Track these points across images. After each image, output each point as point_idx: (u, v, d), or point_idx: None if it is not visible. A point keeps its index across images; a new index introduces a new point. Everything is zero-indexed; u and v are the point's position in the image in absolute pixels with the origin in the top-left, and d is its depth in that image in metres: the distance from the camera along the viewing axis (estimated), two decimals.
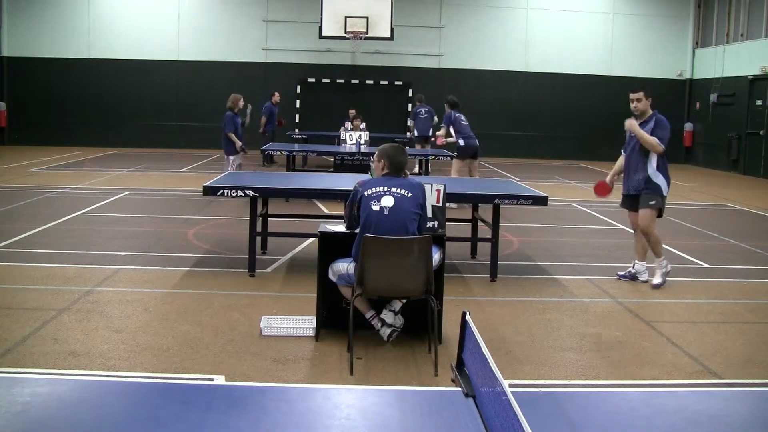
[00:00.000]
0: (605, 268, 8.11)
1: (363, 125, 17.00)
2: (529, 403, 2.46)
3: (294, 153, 13.89)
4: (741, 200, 14.95)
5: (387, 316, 5.44)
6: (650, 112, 7.38)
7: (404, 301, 5.45)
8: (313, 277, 5.86)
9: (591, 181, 16.84)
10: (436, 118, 17.32)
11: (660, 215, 7.51)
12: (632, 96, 7.38)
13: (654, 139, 7.23)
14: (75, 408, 2.52)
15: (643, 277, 7.66)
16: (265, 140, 17.11)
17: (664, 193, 7.42)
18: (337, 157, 13.91)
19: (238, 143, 12.35)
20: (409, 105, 23.05)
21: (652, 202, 7.35)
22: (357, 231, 5.39)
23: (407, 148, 12.13)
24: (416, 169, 15.19)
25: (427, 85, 22.37)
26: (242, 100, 12.88)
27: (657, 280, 7.54)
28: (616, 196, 8.06)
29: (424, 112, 17.52)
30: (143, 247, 8.69)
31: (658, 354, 5.63)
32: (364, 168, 11.62)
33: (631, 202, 7.61)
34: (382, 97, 23.34)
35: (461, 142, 12.74)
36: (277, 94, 19.52)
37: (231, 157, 12.41)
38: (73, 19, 22.85)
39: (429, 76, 23.19)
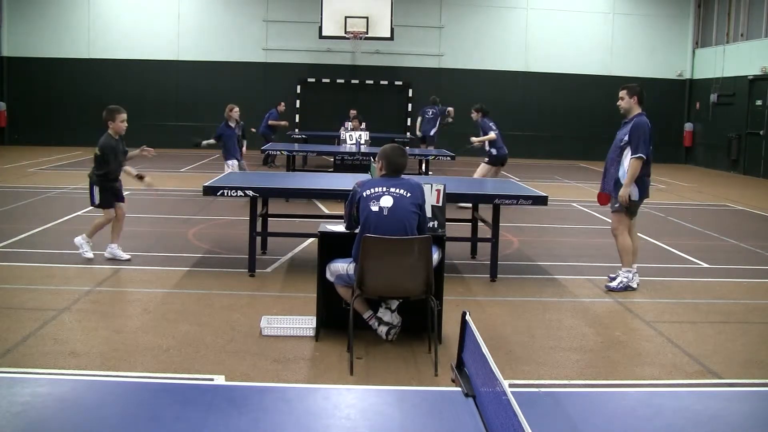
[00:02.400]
0: (605, 268, 8.10)
1: (363, 125, 17.00)
2: (529, 403, 2.46)
3: (294, 153, 13.91)
4: (741, 200, 14.94)
5: (384, 314, 5.46)
6: (636, 112, 7.23)
7: (400, 299, 5.45)
8: (313, 277, 5.87)
9: (591, 181, 16.87)
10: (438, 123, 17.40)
11: (631, 217, 7.32)
12: (619, 94, 7.38)
13: (627, 183, 7.09)
14: (75, 408, 2.52)
15: (634, 284, 7.36)
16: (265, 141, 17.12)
17: (633, 198, 7.17)
18: (337, 157, 13.92)
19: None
20: (409, 105, 23.08)
21: (617, 205, 7.25)
22: (357, 231, 5.40)
23: (407, 148, 12.13)
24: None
25: (427, 85, 22.38)
26: (235, 109, 12.77)
27: (613, 283, 7.37)
28: None
29: (431, 113, 17.56)
30: (143, 247, 8.69)
31: (658, 354, 5.63)
32: (364, 168, 11.61)
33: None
34: (382, 97, 23.33)
35: (494, 151, 12.66)
36: (282, 103, 19.43)
37: (230, 162, 12.60)
38: (73, 19, 22.86)
39: (429, 76, 23.19)
